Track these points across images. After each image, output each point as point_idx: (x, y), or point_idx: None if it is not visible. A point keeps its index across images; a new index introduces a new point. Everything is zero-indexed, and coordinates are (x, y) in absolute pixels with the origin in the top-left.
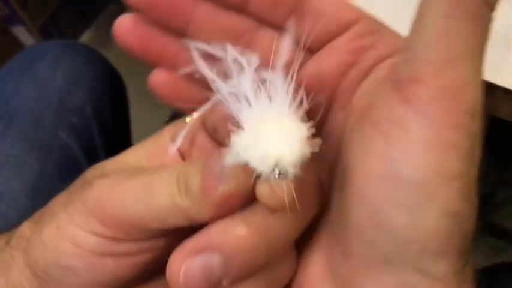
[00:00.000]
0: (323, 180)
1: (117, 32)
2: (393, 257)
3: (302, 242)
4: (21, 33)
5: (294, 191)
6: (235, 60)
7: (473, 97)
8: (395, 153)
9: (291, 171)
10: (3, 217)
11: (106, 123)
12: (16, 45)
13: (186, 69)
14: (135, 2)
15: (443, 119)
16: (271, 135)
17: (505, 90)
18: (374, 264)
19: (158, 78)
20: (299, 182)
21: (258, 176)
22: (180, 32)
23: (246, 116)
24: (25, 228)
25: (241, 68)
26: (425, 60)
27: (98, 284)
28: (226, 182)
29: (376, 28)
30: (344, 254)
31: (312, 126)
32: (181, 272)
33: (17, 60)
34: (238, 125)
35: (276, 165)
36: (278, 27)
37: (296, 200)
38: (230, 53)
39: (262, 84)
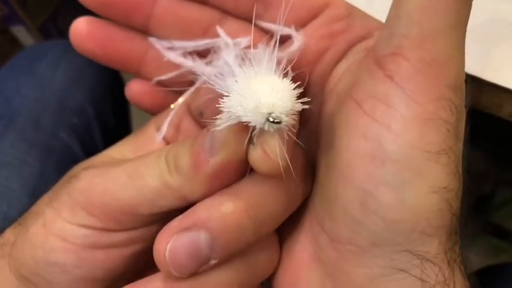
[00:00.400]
0: (309, 159)
1: (73, 38)
2: (381, 238)
3: (286, 230)
4: (21, 33)
5: (286, 155)
6: (226, 43)
7: (455, 70)
8: (380, 130)
9: (285, 119)
10: (4, 217)
11: (107, 122)
12: (16, 45)
13: (161, 77)
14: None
15: (426, 93)
16: (261, 88)
17: (505, 90)
18: (361, 247)
19: (135, 88)
20: (290, 147)
21: (250, 142)
22: (141, 30)
23: (231, 86)
24: (8, 234)
25: (229, 48)
26: (406, 35)
27: (89, 279)
28: (217, 153)
29: (347, 11)
30: (330, 239)
31: (299, 87)
32: (167, 250)
33: (17, 59)
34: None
35: (270, 114)
36: (243, 18)
37: (290, 164)
38: (221, 34)
39: (246, 58)
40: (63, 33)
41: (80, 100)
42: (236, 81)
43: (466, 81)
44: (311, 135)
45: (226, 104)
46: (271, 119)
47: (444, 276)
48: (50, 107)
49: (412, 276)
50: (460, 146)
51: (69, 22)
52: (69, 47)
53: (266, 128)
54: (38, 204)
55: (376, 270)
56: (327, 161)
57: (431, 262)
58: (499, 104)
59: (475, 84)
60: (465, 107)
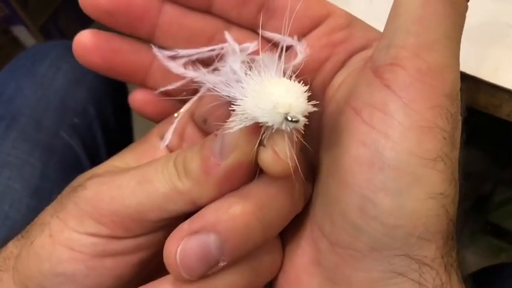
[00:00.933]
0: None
1: (77, 51)
2: (380, 243)
3: (287, 235)
4: (22, 33)
5: (295, 157)
6: (233, 49)
7: (451, 79)
8: (378, 137)
9: (302, 118)
10: (5, 217)
11: (108, 122)
12: (16, 45)
13: (165, 88)
14: (95, 8)
15: (422, 102)
16: (277, 90)
17: (504, 90)
18: (361, 252)
19: (138, 98)
20: (298, 149)
21: (261, 144)
22: (146, 39)
23: (241, 91)
24: (10, 248)
25: (235, 54)
26: (403, 45)
27: None
28: (228, 156)
29: (348, 21)
30: (330, 244)
31: (308, 89)
32: (178, 253)
33: (19, 60)
34: (232, 104)
35: (286, 114)
36: (246, 27)
37: (298, 166)
38: (229, 40)
39: (252, 64)
40: (64, 33)
41: (81, 100)
42: (243, 87)
43: (461, 89)
44: (311, 139)
45: (241, 106)
46: (290, 118)
47: (441, 280)
48: (51, 107)
49: (411, 280)
50: (456, 153)
51: (70, 22)
52: (70, 48)
53: (283, 127)
54: (42, 216)
55: (376, 275)
56: (326, 166)
57: (429, 266)
58: (498, 104)
59: (474, 84)
60: (461, 115)
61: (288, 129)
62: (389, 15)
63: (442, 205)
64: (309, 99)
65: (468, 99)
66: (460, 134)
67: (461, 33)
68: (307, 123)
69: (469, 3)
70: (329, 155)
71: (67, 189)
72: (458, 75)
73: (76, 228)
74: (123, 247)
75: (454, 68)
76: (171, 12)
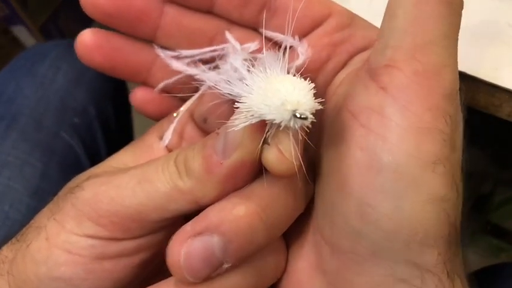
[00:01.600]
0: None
1: (79, 50)
2: (381, 248)
3: (289, 240)
4: (22, 33)
5: (300, 156)
6: (234, 49)
7: (449, 80)
8: (376, 140)
9: (310, 116)
10: (5, 217)
11: (108, 122)
12: (16, 45)
13: (165, 83)
14: (96, 9)
15: (420, 103)
16: (284, 87)
17: (504, 90)
18: (362, 257)
19: (139, 96)
20: (302, 148)
21: (265, 142)
22: (148, 39)
23: (244, 88)
24: (5, 252)
25: (237, 53)
26: (399, 47)
27: None
28: (231, 154)
29: (350, 21)
30: (332, 249)
31: (314, 87)
32: (182, 255)
33: (19, 60)
34: (234, 102)
35: (295, 110)
36: (248, 27)
37: (303, 165)
38: (230, 40)
39: (254, 63)
40: (64, 33)
41: (82, 100)
42: (246, 84)
43: (460, 89)
44: (312, 138)
45: (246, 103)
46: (298, 115)
47: (444, 287)
48: (51, 107)
49: (413, 286)
50: (457, 156)
51: (70, 22)
52: (70, 48)
53: (291, 124)
54: (38, 218)
55: (377, 279)
56: (326, 167)
57: (431, 272)
58: (498, 104)
59: (474, 84)
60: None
61: (296, 126)
62: (385, 16)
63: (443, 209)
64: (314, 97)
65: (468, 99)
66: (460, 136)
67: (458, 33)
68: (314, 120)
69: (469, 3)
70: (328, 157)
71: (63, 190)
72: (457, 75)
73: (74, 230)
74: (123, 249)
75: (452, 68)
76: (172, 13)
